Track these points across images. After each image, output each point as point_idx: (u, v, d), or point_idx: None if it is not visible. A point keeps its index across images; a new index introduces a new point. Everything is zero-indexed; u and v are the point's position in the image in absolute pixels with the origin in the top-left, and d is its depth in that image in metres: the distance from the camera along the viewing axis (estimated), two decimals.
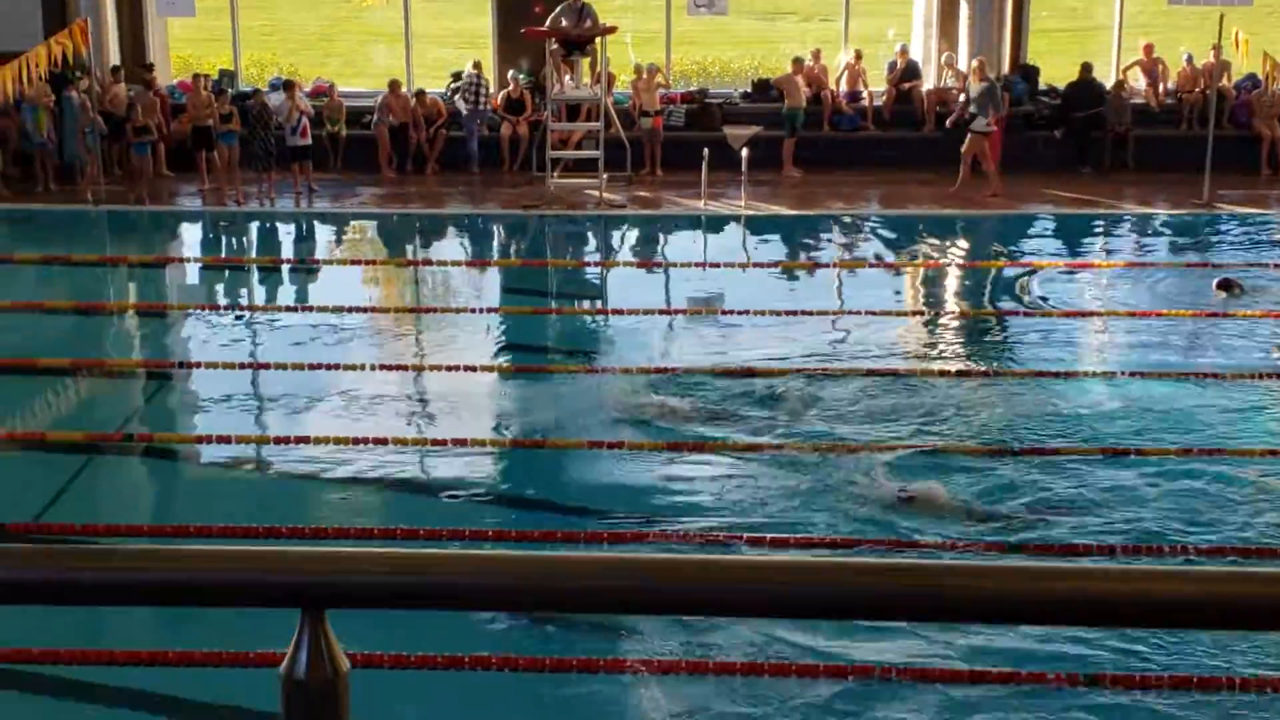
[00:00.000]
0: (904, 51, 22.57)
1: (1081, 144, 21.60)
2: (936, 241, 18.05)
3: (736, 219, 18.84)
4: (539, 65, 20.95)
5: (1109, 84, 22.05)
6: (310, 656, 1.79)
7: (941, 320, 15.06)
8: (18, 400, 12.47)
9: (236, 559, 1.83)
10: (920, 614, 2.11)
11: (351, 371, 12.76)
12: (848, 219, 19.09)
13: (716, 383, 12.42)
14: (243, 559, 1.83)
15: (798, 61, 21.87)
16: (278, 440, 11.20)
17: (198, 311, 15.35)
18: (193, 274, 17.45)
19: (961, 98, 20.56)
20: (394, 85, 21.09)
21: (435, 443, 11.15)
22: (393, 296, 16.39)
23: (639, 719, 7.31)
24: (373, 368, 12.91)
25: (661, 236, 18.68)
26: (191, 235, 19.05)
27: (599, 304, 15.96)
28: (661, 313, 15.13)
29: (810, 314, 14.62)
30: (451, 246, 18.61)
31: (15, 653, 7.69)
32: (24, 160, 20.23)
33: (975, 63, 20.48)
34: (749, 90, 23.16)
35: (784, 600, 1.85)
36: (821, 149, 21.50)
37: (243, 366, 13.03)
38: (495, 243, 18.57)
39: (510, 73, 21.45)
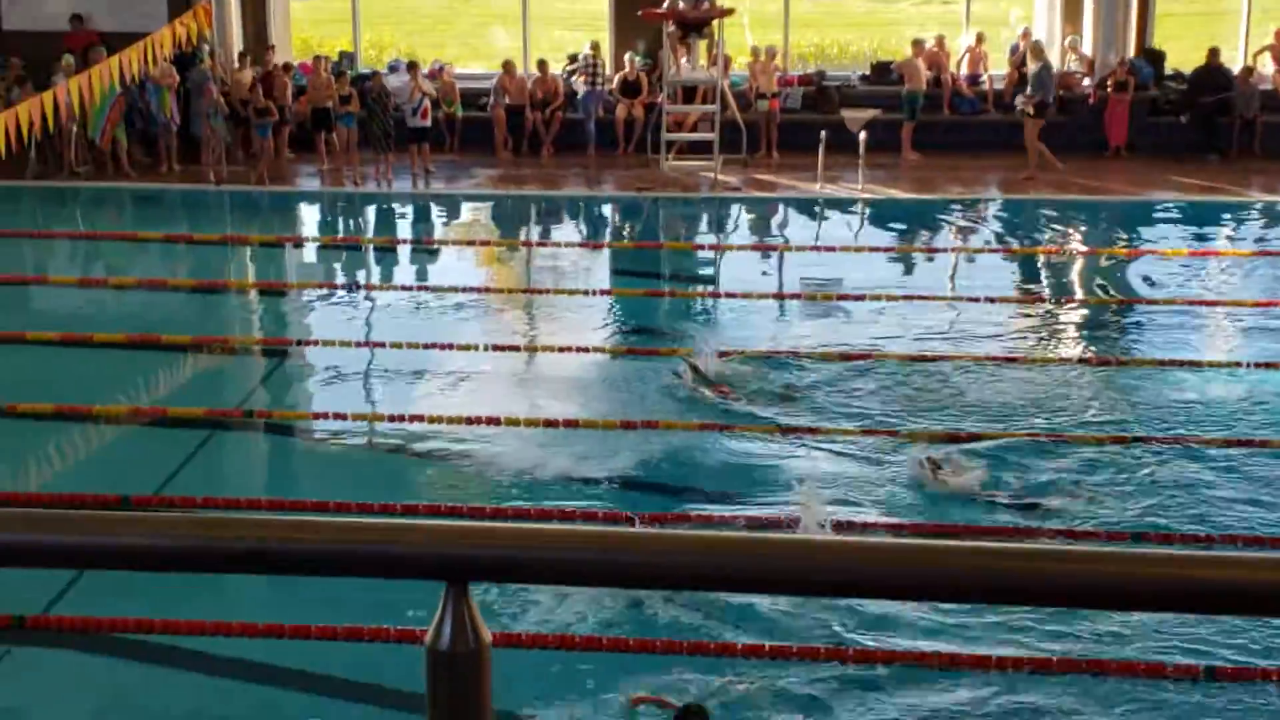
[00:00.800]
0: (1027, 34, 22.18)
1: (1208, 130, 21.10)
2: (1058, 228, 17.72)
3: (853, 202, 18.64)
4: (656, 47, 20.88)
5: (1237, 69, 21.51)
6: (454, 628, 1.84)
7: (1060, 307, 14.76)
8: (141, 376, 12.69)
9: (383, 531, 1.86)
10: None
11: (466, 352, 12.82)
12: (967, 203, 18.82)
13: (829, 367, 12.31)
14: (389, 531, 1.86)
15: (918, 44, 21.61)
16: (392, 418, 11.27)
17: (315, 290, 15.52)
18: (310, 254, 17.63)
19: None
20: (508, 66, 21.14)
21: (547, 423, 11.14)
22: (506, 277, 16.43)
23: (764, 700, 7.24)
24: (486, 348, 12.95)
25: (777, 219, 18.54)
26: (310, 215, 19.26)
27: (712, 287, 15.88)
28: (775, 296, 15.03)
29: (928, 299, 14.43)
30: (565, 228, 18.63)
31: (163, 624, 7.81)
32: (149, 140, 20.57)
33: (1031, 42, 20.25)
34: (867, 73, 22.93)
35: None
36: (941, 133, 21.24)
37: (359, 345, 13.14)
38: (609, 224, 18.54)
39: (627, 55, 21.41)
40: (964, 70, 22.25)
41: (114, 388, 12.10)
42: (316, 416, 11.45)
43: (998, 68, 22.46)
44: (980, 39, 22.47)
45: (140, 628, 7.97)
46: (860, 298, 14.43)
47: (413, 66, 20.13)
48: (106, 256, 16.93)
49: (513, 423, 11.05)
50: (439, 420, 11.11)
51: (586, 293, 15.05)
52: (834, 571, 1.82)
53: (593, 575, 1.89)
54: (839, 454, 10.43)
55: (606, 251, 17.22)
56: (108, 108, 19.30)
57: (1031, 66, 19.66)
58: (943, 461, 9.85)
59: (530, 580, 1.90)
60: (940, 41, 22.24)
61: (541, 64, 21.48)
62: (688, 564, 1.83)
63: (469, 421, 11.07)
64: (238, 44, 21.29)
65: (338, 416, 11.34)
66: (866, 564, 1.81)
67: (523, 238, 18.21)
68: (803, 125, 20.56)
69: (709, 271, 16.66)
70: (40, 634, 8.11)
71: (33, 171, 19.27)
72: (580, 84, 21.36)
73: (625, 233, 18.30)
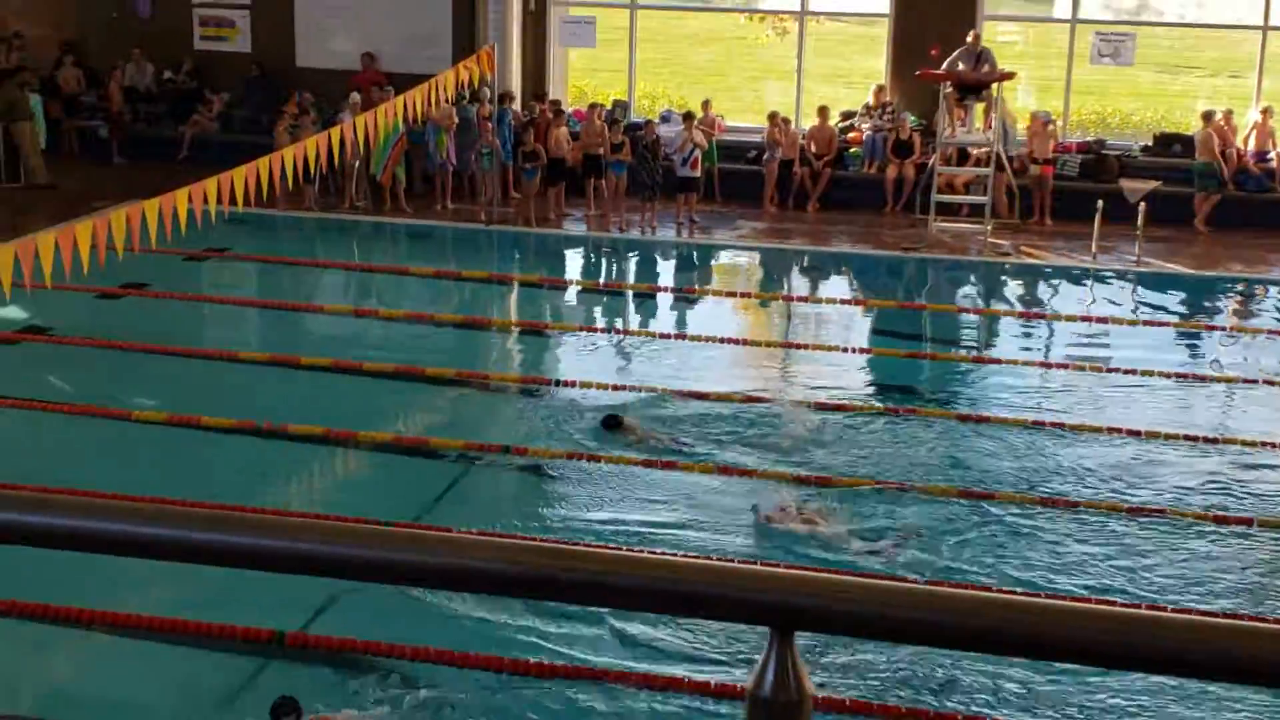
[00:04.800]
0: None
1: None
2: None
3: (1128, 274, 18.00)
4: (931, 108, 20.61)
5: None
6: (777, 676, 1.83)
7: None
8: (405, 405, 12.98)
9: (713, 572, 1.86)
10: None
11: (723, 401, 12.73)
12: (1248, 282, 17.98)
13: (1097, 442, 11.89)
14: (719, 573, 1.87)
15: (1207, 115, 20.83)
16: (646, 464, 11.25)
17: (575, 332, 15.67)
18: (572, 296, 17.84)
19: None
20: (775, 117, 21.09)
21: (799, 479, 11.00)
22: (765, 329, 16.33)
23: None
24: (742, 399, 12.85)
25: (1046, 287, 18.02)
26: (574, 258, 19.49)
27: (976, 351, 15.49)
28: (1042, 365, 14.58)
29: (1202, 379, 13.83)
30: (827, 284, 18.42)
31: (457, 656, 7.97)
32: (425, 178, 21.14)
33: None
34: (1149, 144, 22.20)
35: None
36: (1223, 209, 20.39)
37: (616, 387, 13.17)
38: (871, 283, 18.26)
39: (902, 114, 21.17)
40: (1251, 146, 21.35)
41: (379, 415, 12.38)
42: (570, 456, 11.49)
43: None
44: (1267, 114, 21.55)
45: (417, 655, 8.08)
46: (1131, 371, 13.91)
47: (687, 117, 20.26)
48: (378, 288, 17.41)
49: (774, 476, 10.91)
50: (689, 469, 11.08)
51: (844, 349, 14.85)
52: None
53: (920, 634, 1.84)
54: (1101, 530, 10.01)
55: (868, 309, 16.96)
56: (390, 145, 19.92)
57: None
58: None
59: (858, 634, 1.87)
60: (1227, 116, 21.40)
61: (822, 110, 21.39)
62: (1020, 629, 1.77)
63: (720, 471, 11.01)
64: (516, 89, 21.75)
65: (590, 458, 11.37)
66: None
67: (783, 291, 18.08)
68: (1079, 193, 19.99)
69: (973, 336, 16.26)
70: (298, 651, 8.28)
71: (315, 203, 19.99)
72: (867, 129, 21.24)
73: (888, 292, 17.97)
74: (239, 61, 23.15)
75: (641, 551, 8.44)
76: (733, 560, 9.23)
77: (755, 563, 9.19)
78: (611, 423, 11.95)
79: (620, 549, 9.21)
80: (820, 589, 1.83)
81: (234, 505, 8.88)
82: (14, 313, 14.47)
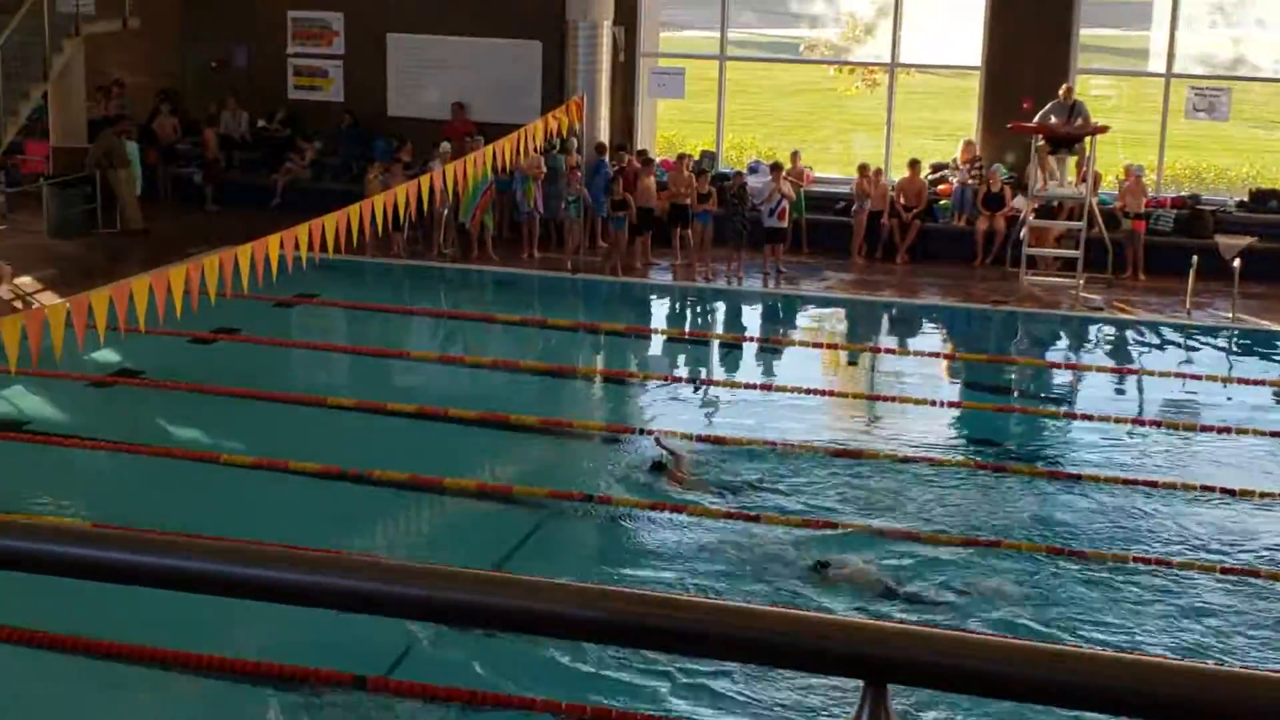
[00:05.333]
0: None
1: None
2: None
3: (1222, 331, 17.69)
4: (1023, 161, 20.44)
5: None
6: None
7: None
8: (488, 453, 12.99)
9: (805, 623, 1.85)
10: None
11: (803, 454, 12.64)
12: None
13: (1189, 501, 11.67)
14: (812, 624, 1.86)
15: None
16: (728, 515, 11.18)
17: (659, 382, 15.62)
18: (657, 345, 17.81)
19: None
20: (864, 169, 21.01)
21: (891, 533, 10.88)
22: (850, 381, 16.21)
23: None
24: (828, 453, 12.74)
25: (1138, 342, 17.74)
26: (659, 308, 19.48)
27: (1066, 407, 15.27)
28: (1134, 422, 14.31)
29: None
30: (914, 336, 18.25)
31: (537, 702, 7.94)
32: (512, 226, 21.25)
33: None
34: (1244, 199, 21.87)
35: None
36: None
37: (699, 439, 13.10)
38: (961, 335, 18.07)
39: (993, 166, 21.01)
40: None
41: (463, 462, 12.40)
42: (654, 506, 11.44)
43: None
44: None
45: (498, 701, 8.06)
46: (1224, 430, 13.64)
47: (775, 168, 20.22)
48: (464, 335, 17.49)
49: (829, 525, 10.79)
50: (774, 521, 10.99)
51: (933, 403, 14.70)
52: None
53: (1015, 690, 1.80)
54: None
55: (956, 363, 16.78)
56: (479, 194, 20.06)
57: None
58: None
59: (953, 688, 1.81)
60: None
61: (913, 162, 21.29)
62: (1124, 687, 1.74)
63: (802, 524, 10.91)
64: (605, 139, 21.84)
65: (673, 509, 11.31)
66: None
67: (870, 343, 17.94)
68: (1172, 248, 19.70)
69: (1063, 391, 16.03)
70: (380, 696, 8.26)
71: (404, 250, 20.15)
72: (956, 180, 21.11)
73: (976, 345, 17.76)
74: (331, 111, 23.47)
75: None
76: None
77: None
78: (656, 467, 12.05)
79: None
80: (915, 641, 1.82)
81: (318, 550, 8.90)
82: (108, 356, 14.68)
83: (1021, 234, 19.55)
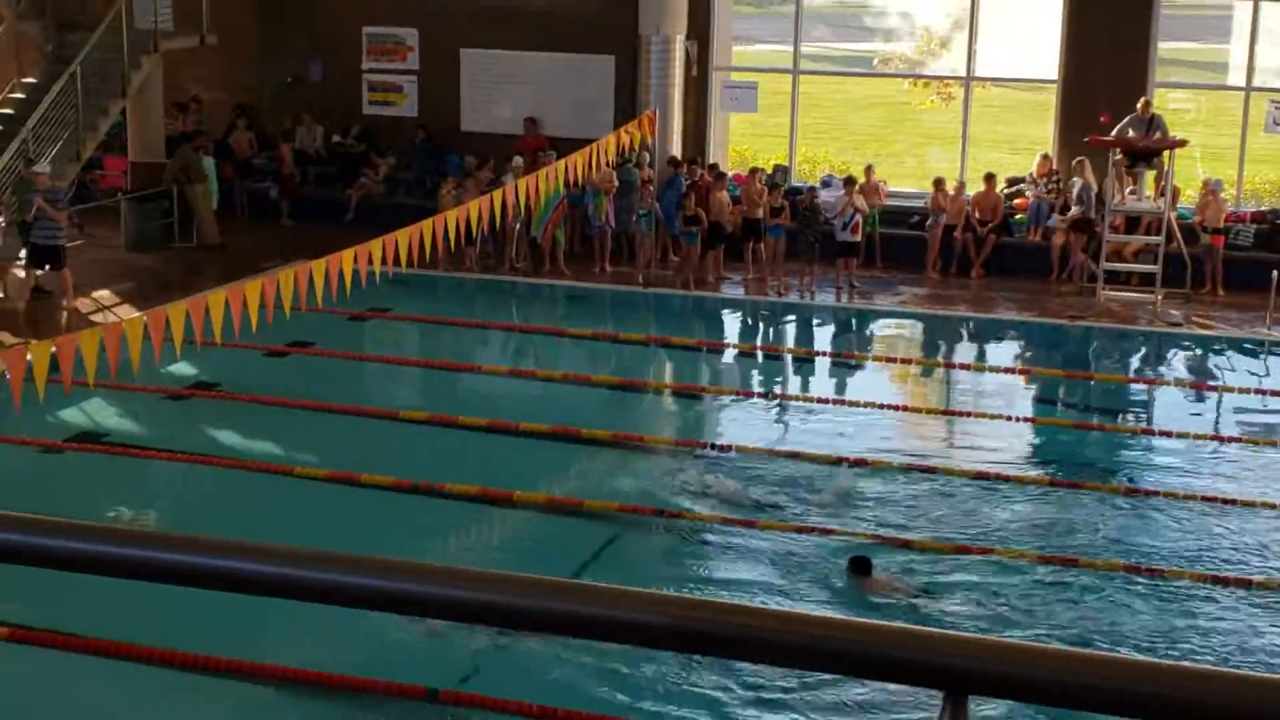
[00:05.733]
0: None
1: None
2: None
3: None
4: (1101, 175, 20.21)
5: None
6: None
7: None
8: (559, 466, 12.97)
9: (886, 633, 1.84)
10: None
11: (879, 470, 12.54)
12: None
13: (1266, 518, 11.48)
14: (892, 634, 1.84)
15: None
16: (800, 529, 11.10)
17: (731, 396, 15.55)
18: (729, 359, 17.74)
19: None
20: (940, 183, 20.84)
21: (958, 549, 10.76)
22: (924, 396, 16.07)
23: None
24: (901, 467, 12.64)
25: (1218, 358, 17.46)
26: (731, 322, 19.41)
27: (1145, 423, 15.05)
28: (1212, 438, 14.08)
29: None
30: (988, 351, 18.06)
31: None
32: (584, 240, 21.26)
33: None
34: None
35: None
36: None
37: (771, 453, 13.03)
38: (1035, 351, 17.85)
39: (1071, 180, 20.79)
40: None
41: (534, 475, 12.39)
42: (726, 521, 11.37)
43: None
44: None
45: (568, 717, 8.03)
46: None
47: (849, 182, 20.12)
48: (535, 349, 17.51)
49: (917, 546, 10.68)
50: (850, 535, 10.90)
51: (1007, 418, 14.54)
52: None
53: (1097, 702, 1.76)
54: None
55: (1032, 378, 16.59)
56: (551, 208, 20.09)
57: None
58: None
59: (1034, 699, 1.80)
60: None
61: (989, 176, 21.11)
62: (1211, 700, 1.71)
63: (882, 540, 10.81)
64: (677, 153, 21.82)
65: (744, 524, 11.24)
66: None
67: (943, 358, 17.77)
68: (1252, 263, 19.39)
69: (1140, 407, 15.80)
70: (451, 709, 8.26)
71: (476, 265, 20.21)
72: (1032, 194, 20.91)
73: (1052, 360, 17.54)
74: (405, 126, 23.61)
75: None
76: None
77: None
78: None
79: None
80: (997, 653, 1.80)
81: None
82: (184, 369, 14.82)
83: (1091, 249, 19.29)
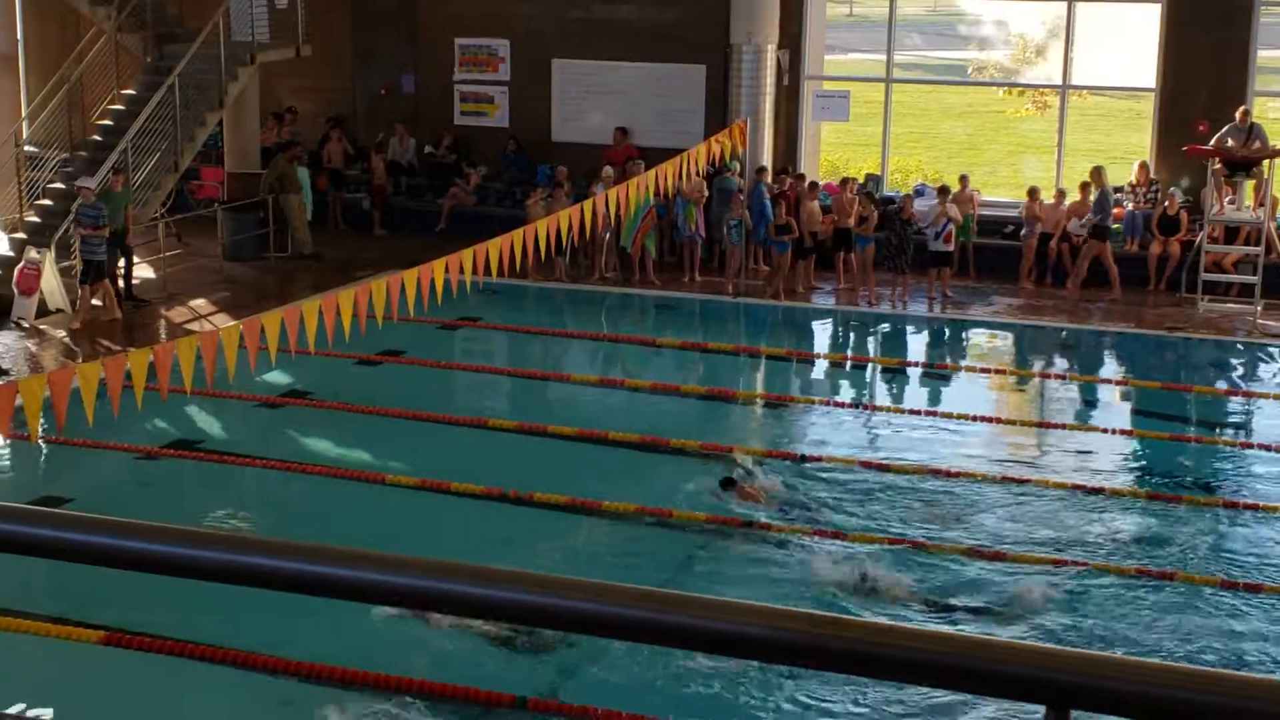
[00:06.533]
0: None
1: None
2: None
3: None
4: (1199, 184, 19.88)
5: None
6: None
7: None
8: (648, 476, 12.95)
9: (987, 647, 1.85)
10: None
11: (969, 481, 12.40)
12: None
13: None
14: (994, 648, 1.85)
15: None
16: (892, 541, 11.00)
17: (821, 406, 15.45)
18: (819, 370, 17.63)
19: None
20: (1034, 193, 20.59)
21: (1056, 562, 10.61)
22: (1018, 408, 15.88)
23: None
24: (990, 479, 12.49)
25: None
26: (822, 332, 19.29)
27: (1244, 437, 14.76)
28: None
29: None
30: (1083, 362, 17.81)
31: None
32: (674, 250, 21.24)
33: None
34: None
35: None
36: None
37: (863, 465, 12.93)
38: (1133, 362, 17.57)
39: (1170, 189, 20.48)
40: None
41: (622, 485, 12.38)
42: (816, 533, 11.30)
43: None
44: None
45: None
46: None
47: (943, 191, 19.95)
48: (625, 359, 17.51)
49: (1018, 560, 10.54)
50: (933, 550, 10.79)
51: (1103, 430, 14.32)
52: None
53: (1204, 718, 1.76)
54: None
55: (1128, 390, 16.33)
56: (640, 218, 20.09)
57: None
58: None
59: (1136, 715, 1.78)
60: None
61: (1085, 186, 20.82)
62: None
63: (970, 554, 10.68)
64: (768, 162, 21.75)
65: (836, 535, 11.16)
66: None
67: (1038, 369, 17.54)
68: None
69: (1240, 420, 15.51)
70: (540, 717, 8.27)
71: (565, 274, 20.26)
72: (1129, 203, 20.61)
73: (1151, 372, 17.25)
74: (496, 136, 23.73)
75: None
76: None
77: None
78: (727, 483, 12.14)
79: None
80: (1099, 667, 1.80)
81: None
82: (278, 377, 14.97)
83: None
